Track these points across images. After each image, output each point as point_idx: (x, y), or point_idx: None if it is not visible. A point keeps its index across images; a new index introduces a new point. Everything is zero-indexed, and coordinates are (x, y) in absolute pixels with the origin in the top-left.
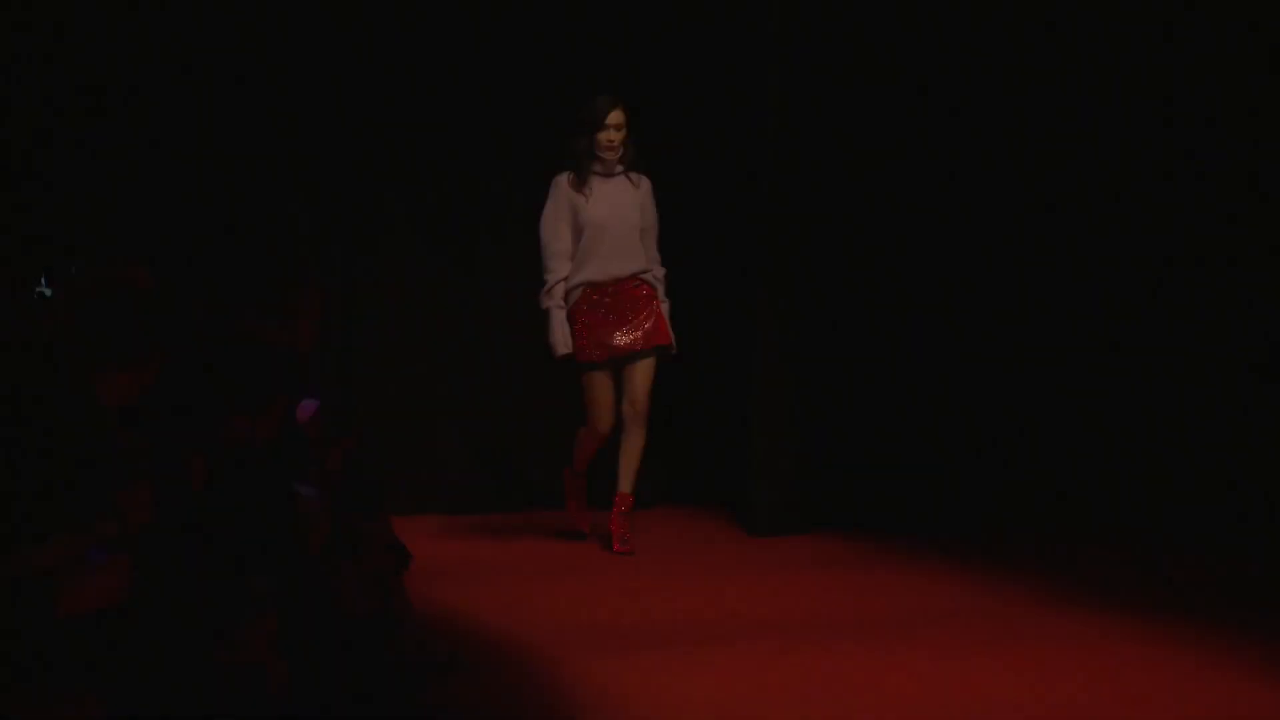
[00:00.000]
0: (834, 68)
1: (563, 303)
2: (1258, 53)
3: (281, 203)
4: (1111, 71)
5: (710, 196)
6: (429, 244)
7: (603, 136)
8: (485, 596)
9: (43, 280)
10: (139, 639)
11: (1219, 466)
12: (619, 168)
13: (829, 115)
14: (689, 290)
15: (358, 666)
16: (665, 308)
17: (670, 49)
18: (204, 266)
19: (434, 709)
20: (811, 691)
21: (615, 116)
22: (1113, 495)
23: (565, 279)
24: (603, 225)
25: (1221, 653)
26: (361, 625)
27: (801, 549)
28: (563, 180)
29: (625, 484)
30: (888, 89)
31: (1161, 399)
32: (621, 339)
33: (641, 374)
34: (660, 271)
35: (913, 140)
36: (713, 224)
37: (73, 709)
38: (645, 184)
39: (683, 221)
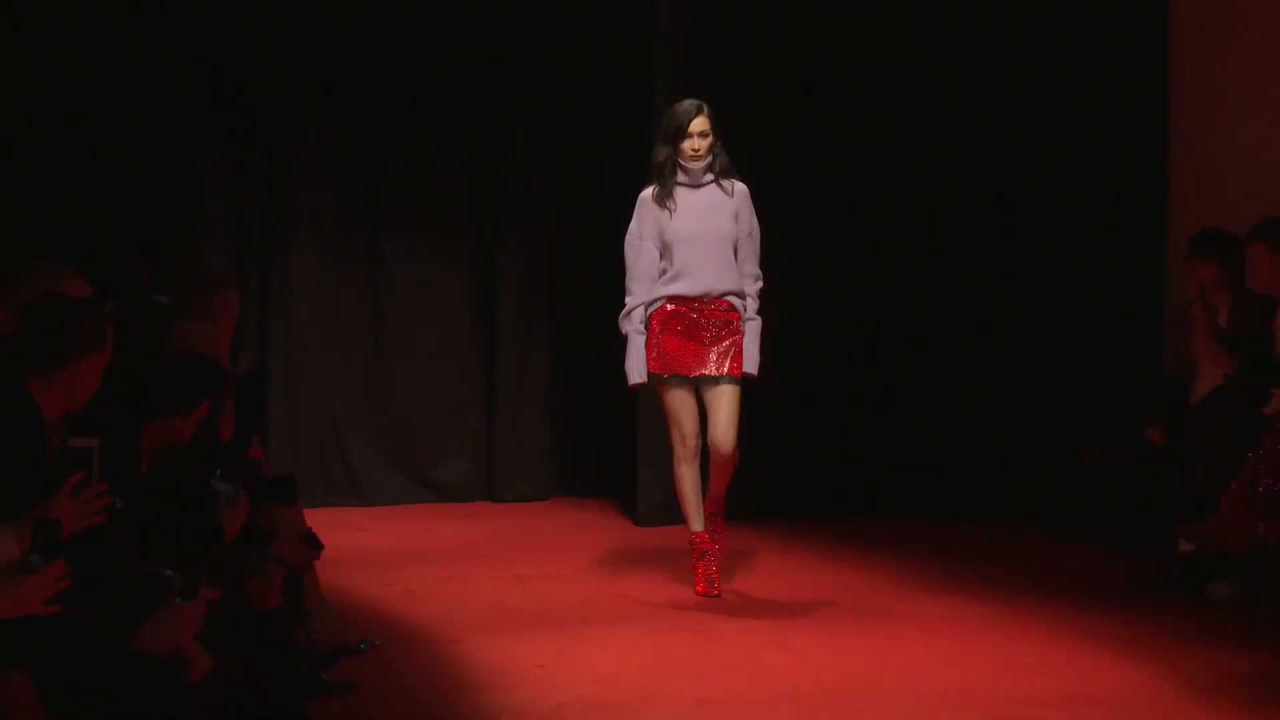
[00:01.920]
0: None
1: (641, 328)
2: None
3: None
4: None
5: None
6: (339, 246)
7: (687, 145)
8: (392, 582)
9: None
10: (69, 629)
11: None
12: (708, 176)
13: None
14: (588, 283)
15: (272, 650)
16: (755, 326)
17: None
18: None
19: (345, 687)
20: (691, 666)
21: (699, 124)
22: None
23: (647, 302)
24: (690, 239)
25: (1088, 634)
26: (276, 611)
27: (684, 537)
28: (647, 195)
29: (698, 523)
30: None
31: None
32: (698, 364)
33: (724, 407)
34: (755, 286)
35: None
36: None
37: (5, 695)
38: (740, 190)
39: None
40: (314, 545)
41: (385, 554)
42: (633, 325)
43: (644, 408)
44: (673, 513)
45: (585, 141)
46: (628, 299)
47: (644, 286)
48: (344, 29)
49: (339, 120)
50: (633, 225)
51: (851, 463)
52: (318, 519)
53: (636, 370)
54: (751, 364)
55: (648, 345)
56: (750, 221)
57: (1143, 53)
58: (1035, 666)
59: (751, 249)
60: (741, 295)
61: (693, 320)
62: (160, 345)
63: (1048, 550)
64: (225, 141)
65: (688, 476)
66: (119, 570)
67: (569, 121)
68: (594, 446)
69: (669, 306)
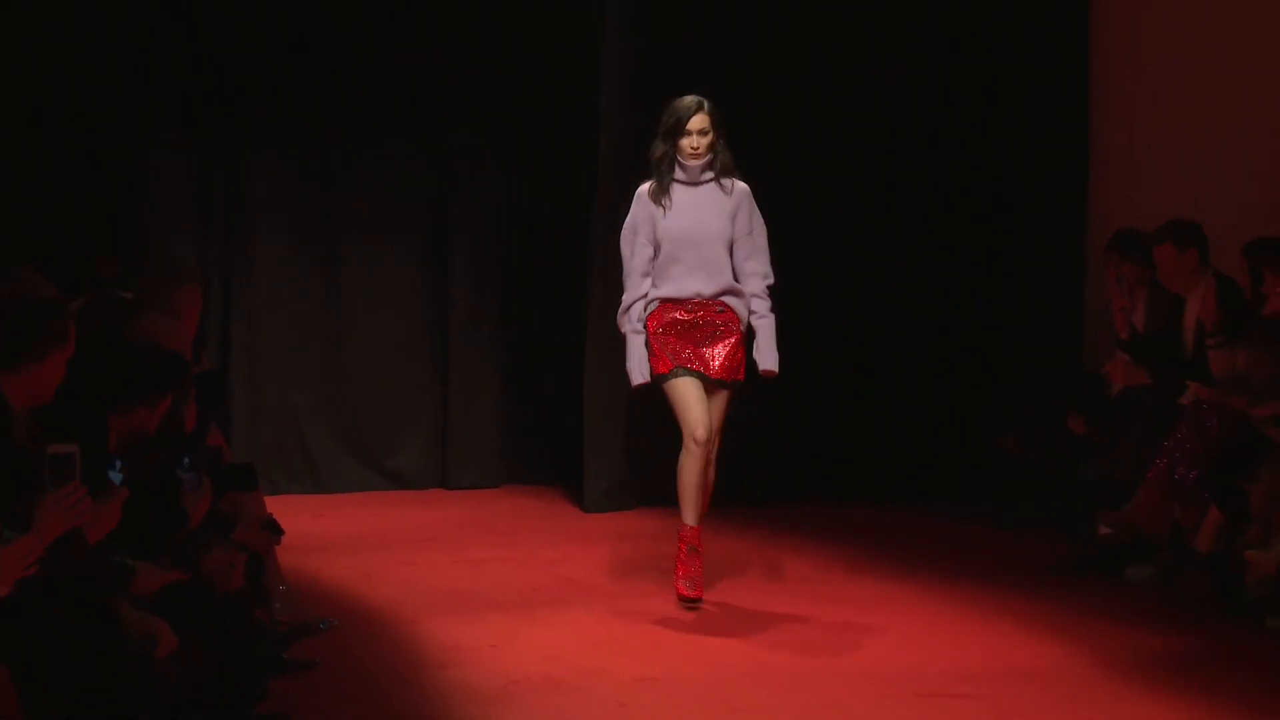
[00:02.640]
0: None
1: (640, 327)
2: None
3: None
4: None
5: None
6: (299, 243)
7: (685, 143)
8: (350, 566)
9: None
10: (41, 611)
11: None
12: (707, 174)
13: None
14: (537, 279)
15: (234, 631)
16: (769, 323)
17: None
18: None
19: (305, 665)
20: (634, 645)
21: (699, 121)
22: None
23: (644, 297)
24: (681, 238)
25: (1013, 613)
26: (237, 594)
27: (628, 523)
28: (644, 191)
29: (692, 517)
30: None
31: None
32: (699, 361)
33: (713, 409)
34: (763, 285)
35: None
36: (566, 209)
37: None
38: (739, 190)
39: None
40: (274, 530)
41: (343, 539)
42: (630, 324)
43: (591, 400)
44: (617, 499)
45: (534, 141)
46: (624, 296)
47: (639, 282)
48: (304, 31)
49: (299, 120)
50: (628, 220)
51: (794, 452)
52: (278, 506)
53: (639, 371)
54: (772, 361)
55: (650, 350)
56: (750, 221)
57: (1063, 53)
58: (964, 645)
59: (754, 247)
60: (738, 295)
61: (684, 322)
62: (125, 339)
63: (973, 535)
64: (186, 139)
65: (692, 469)
66: (88, 557)
67: (518, 122)
68: (543, 437)
69: (661, 309)
